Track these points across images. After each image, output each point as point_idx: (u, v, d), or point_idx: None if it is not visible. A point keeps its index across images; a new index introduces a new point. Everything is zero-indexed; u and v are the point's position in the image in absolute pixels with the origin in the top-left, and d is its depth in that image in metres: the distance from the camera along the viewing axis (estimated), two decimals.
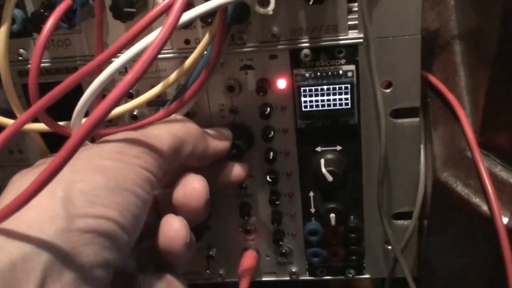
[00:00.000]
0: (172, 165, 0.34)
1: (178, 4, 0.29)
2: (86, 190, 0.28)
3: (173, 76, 0.37)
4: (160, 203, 0.38)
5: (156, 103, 0.41)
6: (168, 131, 0.34)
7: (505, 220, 0.35)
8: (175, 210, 0.35)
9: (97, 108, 0.26)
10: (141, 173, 0.31)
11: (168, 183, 0.37)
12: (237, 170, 0.41)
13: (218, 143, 0.38)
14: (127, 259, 0.35)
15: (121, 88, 0.27)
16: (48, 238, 0.26)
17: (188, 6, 0.35)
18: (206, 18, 0.36)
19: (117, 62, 0.31)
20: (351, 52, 0.38)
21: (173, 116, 0.36)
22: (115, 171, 0.30)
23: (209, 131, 0.38)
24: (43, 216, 0.26)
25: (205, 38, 0.36)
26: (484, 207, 0.36)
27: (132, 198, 0.30)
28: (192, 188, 0.35)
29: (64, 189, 0.27)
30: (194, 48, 0.36)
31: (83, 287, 0.27)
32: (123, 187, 0.29)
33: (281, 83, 0.40)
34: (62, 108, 0.33)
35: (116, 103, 0.27)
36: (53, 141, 0.38)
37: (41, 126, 0.37)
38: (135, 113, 0.41)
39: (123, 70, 0.39)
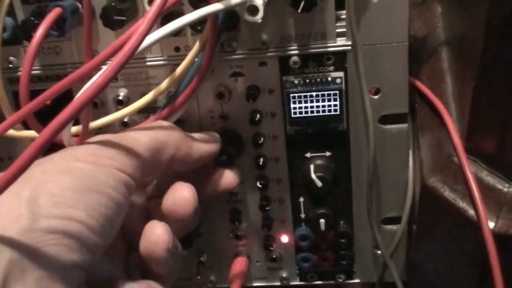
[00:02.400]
0: (155, 169, 0.34)
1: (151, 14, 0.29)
2: (54, 191, 0.27)
3: (164, 83, 0.37)
4: (150, 213, 0.38)
5: (146, 110, 0.41)
6: (146, 133, 0.34)
7: (491, 224, 0.35)
8: (164, 217, 0.35)
9: (66, 109, 0.26)
10: (115, 175, 0.30)
11: (159, 192, 0.37)
12: (228, 178, 0.41)
13: (203, 146, 0.37)
14: (112, 267, 0.34)
15: (91, 90, 0.27)
16: (11, 237, 0.25)
17: (178, 14, 0.36)
18: (196, 25, 0.37)
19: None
20: (339, 59, 0.39)
21: (157, 121, 0.36)
22: (86, 173, 0.29)
23: (195, 135, 0.38)
24: (6, 215, 0.26)
25: (196, 46, 0.36)
26: (471, 212, 0.36)
27: (102, 199, 0.29)
28: (181, 195, 0.35)
29: (31, 189, 0.27)
30: (184, 55, 0.36)
31: (51, 287, 0.26)
32: (93, 189, 0.29)
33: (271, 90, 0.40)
34: (55, 115, 0.33)
35: (86, 104, 0.27)
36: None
37: (32, 133, 0.37)
38: (125, 120, 0.41)
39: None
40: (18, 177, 0.25)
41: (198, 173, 0.39)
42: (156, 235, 0.33)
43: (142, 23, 0.28)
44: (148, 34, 0.29)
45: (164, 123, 0.36)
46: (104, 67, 0.31)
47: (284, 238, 0.46)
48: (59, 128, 0.26)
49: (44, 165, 0.27)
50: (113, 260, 0.35)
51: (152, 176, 0.38)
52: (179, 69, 0.36)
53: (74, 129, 0.36)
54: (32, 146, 0.25)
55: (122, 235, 0.36)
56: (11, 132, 0.38)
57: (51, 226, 0.26)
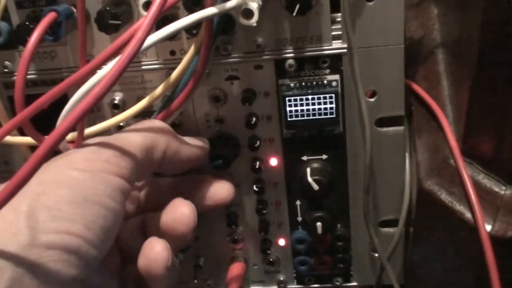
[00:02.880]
0: (147, 169, 0.34)
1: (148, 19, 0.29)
2: (50, 204, 0.27)
3: (160, 88, 0.37)
4: (147, 227, 0.38)
5: (142, 114, 0.41)
6: (138, 133, 0.33)
7: (488, 227, 0.35)
8: (162, 234, 0.35)
9: (65, 120, 0.26)
10: (111, 182, 0.30)
11: (155, 205, 0.37)
12: (224, 191, 0.40)
13: (192, 147, 0.37)
14: (107, 280, 0.34)
15: (90, 100, 0.27)
16: (11, 254, 0.25)
17: (173, 17, 0.36)
18: (191, 29, 0.37)
19: (99, 75, 0.31)
20: (335, 62, 0.39)
21: (147, 120, 0.36)
22: (82, 183, 0.29)
23: (184, 138, 0.37)
24: (5, 231, 0.26)
25: (191, 50, 0.36)
26: (468, 215, 0.36)
27: (100, 210, 0.29)
28: (181, 213, 0.35)
29: (29, 203, 0.27)
30: (180, 59, 0.36)
31: None
32: (91, 200, 0.28)
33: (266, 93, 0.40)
34: (52, 122, 0.33)
35: (86, 113, 0.27)
36: None
37: (27, 140, 0.37)
38: (121, 124, 0.41)
39: None
40: (19, 190, 0.24)
41: (194, 186, 0.39)
42: (155, 253, 0.33)
43: (140, 28, 0.28)
44: (146, 39, 0.29)
45: (155, 121, 0.36)
46: (100, 72, 0.31)
47: (281, 242, 0.46)
48: (60, 139, 0.26)
49: (40, 175, 0.27)
50: (108, 273, 0.35)
51: (144, 177, 0.38)
52: (174, 73, 0.36)
53: (70, 135, 0.36)
54: (33, 158, 0.25)
55: (118, 248, 0.36)
56: (7, 138, 0.38)
57: (50, 241, 0.26)
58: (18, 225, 0.26)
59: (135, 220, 0.38)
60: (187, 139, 0.38)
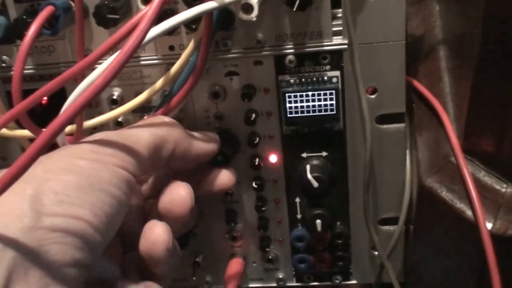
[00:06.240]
0: (155, 165, 0.34)
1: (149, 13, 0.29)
2: (57, 189, 0.27)
3: (159, 83, 0.37)
4: (147, 213, 0.38)
5: (141, 109, 0.40)
6: (147, 129, 0.33)
7: (489, 225, 0.35)
8: (161, 217, 0.35)
9: (64, 111, 0.26)
10: (117, 172, 0.30)
11: (155, 193, 0.37)
12: (224, 178, 0.40)
13: (202, 144, 0.37)
14: (110, 267, 0.34)
15: (90, 91, 0.27)
16: (14, 235, 0.25)
17: (172, 12, 0.36)
18: (191, 24, 0.36)
19: (99, 69, 0.31)
20: (335, 58, 0.38)
21: (158, 117, 0.36)
22: (89, 171, 0.29)
23: (194, 133, 0.38)
24: (9, 213, 0.26)
25: (190, 45, 0.36)
26: (469, 213, 0.36)
27: (106, 197, 0.29)
28: (178, 194, 0.35)
29: (35, 188, 0.27)
30: (179, 54, 0.36)
31: (53, 285, 0.26)
32: (97, 187, 0.29)
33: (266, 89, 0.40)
34: (51, 116, 0.32)
35: (86, 104, 0.27)
36: None
37: (25, 132, 0.37)
38: (120, 119, 0.41)
39: None
40: (18, 178, 0.25)
41: (194, 172, 0.39)
42: (156, 235, 0.33)
43: (142, 22, 0.28)
44: (147, 33, 0.29)
45: (166, 118, 0.36)
46: (99, 66, 0.31)
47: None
48: (60, 129, 0.26)
49: (45, 163, 0.27)
50: (110, 260, 0.35)
51: (151, 173, 0.38)
52: (173, 69, 0.36)
53: (68, 128, 0.36)
54: (33, 146, 0.25)
55: (119, 236, 0.36)
56: (4, 131, 0.38)
57: (54, 224, 0.26)
58: (23, 207, 0.26)
59: (136, 207, 0.38)
60: (199, 135, 0.38)
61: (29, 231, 0.26)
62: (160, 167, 0.35)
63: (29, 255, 0.25)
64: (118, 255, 0.36)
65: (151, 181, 0.39)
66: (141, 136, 0.33)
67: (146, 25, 0.28)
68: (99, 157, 0.30)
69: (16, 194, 0.26)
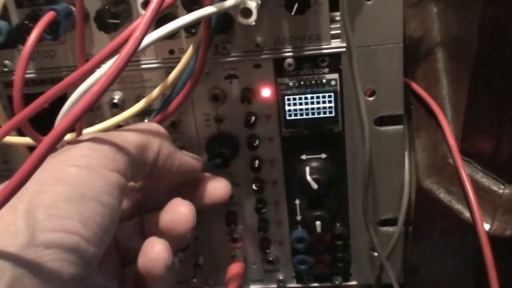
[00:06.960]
0: (142, 168, 0.34)
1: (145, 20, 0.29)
2: (48, 202, 0.27)
3: (159, 88, 0.37)
4: (146, 227, 0.38)
5: (142, 113, 0.41)
6: (133, 131, 0.33)
7: (486, 226, 0.35)
8: (162, 233, 0.35)
9: (64, 119, 0.26)
10: (108, 178, 0.30)
11: (153, 206, 0.37)
12: (220, 190, 0.40)
13: (186, 156, 0.37)
14: (107, 282, 0.34)
15: (89, 99, 0.27)
16: (11, 254, 0.25)
17: (172, 16, 0.36)
18: (190, 28, 0.37)
19: (95, 76, 0.31)
20: (334, 61, 0.39)
21: (143, 122, 0.36)
22: (80, 179, 0.29)
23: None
24: (4, 231, 0.26)
25: (190, 49, 0.36)
26: (466, 214, 0.36)
27: (98, 207, 0.29)
28: (180, 213, 0.35)
29: (27, 202, 0.27)
30: (179, 58, 0.36)
31: None
32: (88, 197, 0.28)
33: (266, 92, 0.40)
34: (51, 122, 0.33)
35: (85, 113, 0.27)
36: None
37: (26, 140, 0.37)
38: (121, 124, 0.41)
39: None
40: (18, 191, 0.24)
41: (191, 185, 0.39)
42: (155, 253, 0.33)
43: (138, 27, 0.28)
44: (144, 38, 0.29)
45: (152, 124, 0.36)
46: (98, 71, 0.31)
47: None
48: (59, 138, 0.26)
49: (36, 174, 0.27)
50: (108, 273, 0.35)
51: (139, 177, 0.38)
52: (173, 73, 0.36)
53: (68, 136, 0.36)
54: (31, 158, 0.25)
55: (117, 249, 0.36)
56: (6, 139, 0.38)
57: (48, 240, 0.26)
58: (17, 224, 0.26)
59: (134, 220, 0.38)
60: (183, 151, 0.38)
61: (25, 249, 0.26)
62: (146, 171, 0.35)
63: (27, 274, 0.25)
64: (116, 268, 0.36)
65: (149, 194, 0.39)
66: (128, 136, 0.33)
67: (141, 33, 0.28)
68: (90, 161, 0.30)
69: (9, 210, 0.26)
